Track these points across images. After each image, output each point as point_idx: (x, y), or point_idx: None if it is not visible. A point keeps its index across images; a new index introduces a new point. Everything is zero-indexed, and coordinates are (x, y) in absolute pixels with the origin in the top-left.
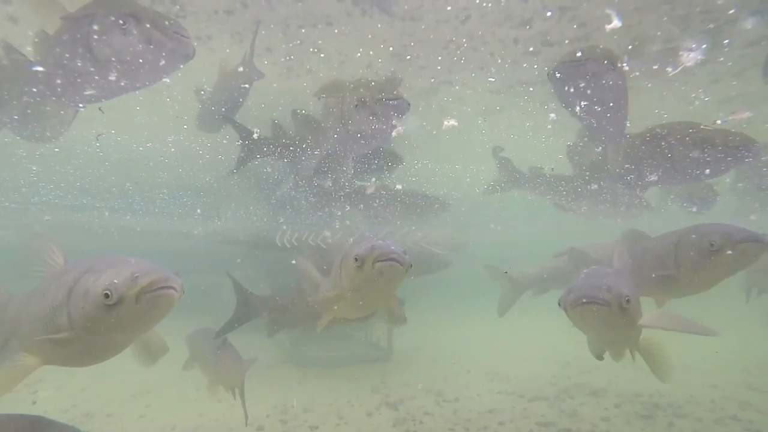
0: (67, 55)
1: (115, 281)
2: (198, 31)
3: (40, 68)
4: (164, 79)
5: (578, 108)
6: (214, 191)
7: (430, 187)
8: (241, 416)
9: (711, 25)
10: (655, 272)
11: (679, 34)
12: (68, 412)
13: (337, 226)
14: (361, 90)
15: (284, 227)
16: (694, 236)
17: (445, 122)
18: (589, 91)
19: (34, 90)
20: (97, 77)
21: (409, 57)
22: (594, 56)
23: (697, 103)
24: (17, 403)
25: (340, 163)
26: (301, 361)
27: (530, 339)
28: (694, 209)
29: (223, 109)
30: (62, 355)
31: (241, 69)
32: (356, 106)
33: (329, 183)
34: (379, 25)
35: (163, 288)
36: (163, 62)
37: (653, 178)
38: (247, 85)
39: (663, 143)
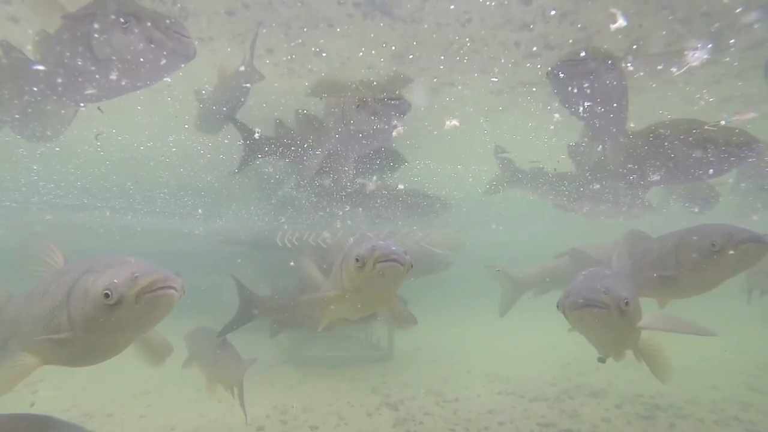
0: (67, 54)
1: (115, 281)
2: (199, 32)
3: (40, 67)
4: (165, 79)
5: (578, 107)
6: (215, 191)
7: (432, 187)
8: (241, 416)
9: (716, 24)
10: (656, 273)
11: (685, 33)
12: (68, 412)
13: (338, 226)
14: (368, 89)
15: (285, 227)
16: (695, 237)
17: (447, 122)
18: (587, 90)
19: (35, 89)
20: (97, 76)
21: (411, 57)
22: (594, 56)
23: (702, 103)
24: (17, 403)
25: (341, 162)
26: (301, 362)
27: (530, 339)
28: (696, 209)
29: (224, 109)
30: (62, 355)
31: (242, 69)
32: (358, 106)
33: (330, 183)
34: (381, 24)
35: (163, 288)
36: (164, 62)
37: (655, 177)
38: (248, 85)
39: (665, 142)
